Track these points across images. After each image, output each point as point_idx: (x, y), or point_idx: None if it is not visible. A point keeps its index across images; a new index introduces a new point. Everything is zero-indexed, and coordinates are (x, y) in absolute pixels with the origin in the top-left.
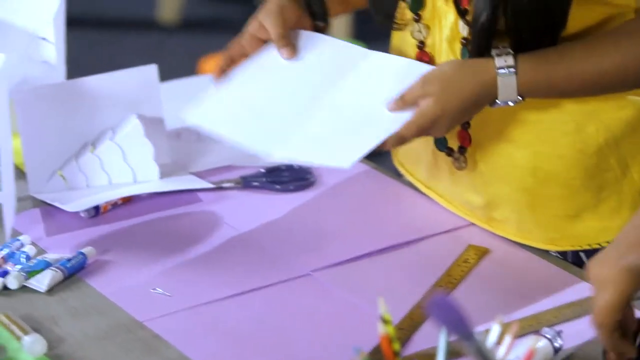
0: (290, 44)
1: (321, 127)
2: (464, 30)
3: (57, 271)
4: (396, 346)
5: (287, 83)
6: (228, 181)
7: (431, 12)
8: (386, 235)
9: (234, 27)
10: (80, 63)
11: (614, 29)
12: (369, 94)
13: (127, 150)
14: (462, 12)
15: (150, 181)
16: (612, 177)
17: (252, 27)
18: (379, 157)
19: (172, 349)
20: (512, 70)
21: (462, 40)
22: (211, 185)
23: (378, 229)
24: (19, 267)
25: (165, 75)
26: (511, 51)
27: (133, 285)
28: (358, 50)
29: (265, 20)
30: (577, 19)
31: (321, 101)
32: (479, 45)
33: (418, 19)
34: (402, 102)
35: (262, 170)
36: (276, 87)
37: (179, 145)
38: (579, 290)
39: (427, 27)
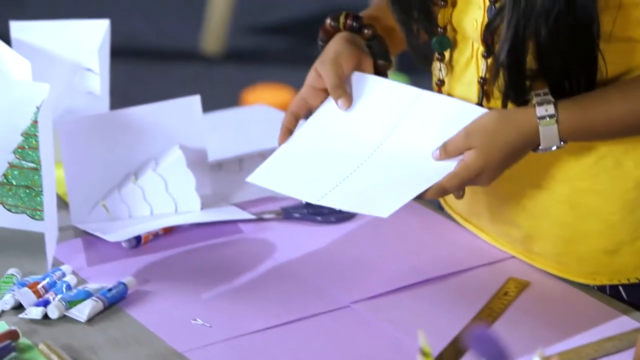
0: (345, 94)
1: (368, 176)
2: (483, 70)
3: (97, 301)
4: None
5: (344, 135)
6: (269, 212)
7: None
8: (426, 267)
9: (277, 58)
10: (124, 94)
11: None
12: (419, 140)
13: (170, 181)
14: (488, 51)
15: (191, 212)
16: None
17: (310, 79)
18: None
19: None
20: (554, 118)
21: (480, 80)
22: (252, 216)
23: (418, 261)
24: (59, 296)
25: (209, 106)
26: (552, 98)
27: (173, 315)
28: (411, 92)
29: (322, 69)
30: (613, 60)
31: (375, 150)
32: (508, 85)
33: (441, 58)
34: (445, 152)
35: (303, 202)
36: (333, 141)
37: (220, 176)
38: (620, 324)
39: (447, 67)
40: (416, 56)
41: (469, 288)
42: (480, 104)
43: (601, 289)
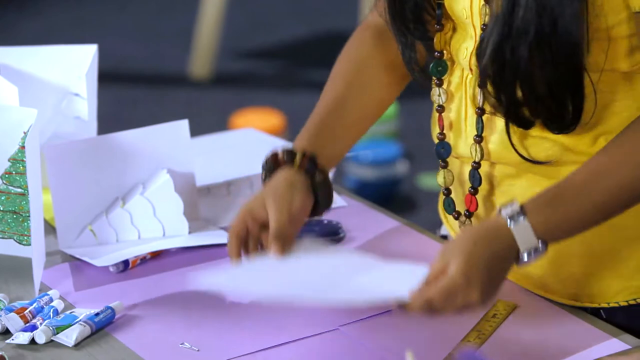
0: (283, 246)
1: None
2: (480, 101)
3: (85, 326)
4: None
5: (302, 276)
6: None
7: (459, 78)
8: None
9: (265, 82)
10: (112, 118)
11: (617, 141)
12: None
13: (157, 205)
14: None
15: (179, 236)
16: (633, 235)
17: (254, 206)
18: (409, 212)
19: None
20: (520, 214)
21: (477, 110)
22: None
23: None
24: (47, 321)
25: (197, 130)
26: (516, 200)
27: (161, 339)
28: (365, 261)
29: (270, 206)
30: (600, 89)
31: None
32: (505, 107)
33: (440, 83)
34: (433, 276)
35: None
36: (293, 279)
37: (208, 200)
38: (610, 346)
39: (447, 93)
40: (412, 71)
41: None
42: (479, 135)
43: (583, 309)
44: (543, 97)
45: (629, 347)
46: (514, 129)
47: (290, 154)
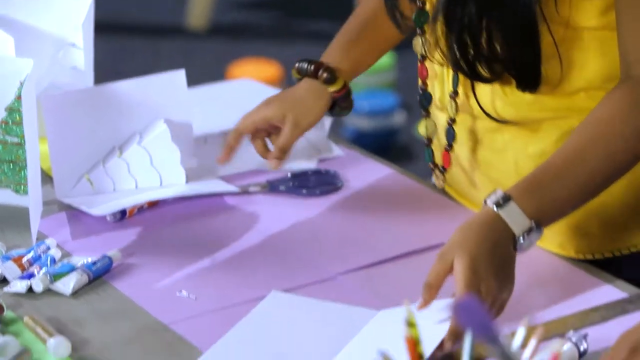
0: (283, 158)
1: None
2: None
3: (82, 274)
4: (421, 349)
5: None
6: (254, 185)
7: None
8: (412, 239)
9: (262, 32)
10: (108, 69)
11: (591, 120)
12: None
13: (154, 154)
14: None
15: (176, 185)
16: (616, 188)
17: (271, 109)
18: (407, 161)
19: (196, 351)
20: (506, 198)
21: (449, 120)
22: (237, 189)
23: (404, 233)
24: (44, 270)
25: (194, 80)
26: (499, 189)
27: (158, 288)
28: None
29: (288, 120)
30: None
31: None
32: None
33: (422, 32)
34: (429, 287)
35: (289, 175)
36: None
37: (205, 149)
38: (606, 294)
39: (429, 43)
40: (395, 19)
41: None
42: (454, 90)
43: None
44: (499, 53)
45: (622, 292)
46: (488, 86)
47: (317, 67)
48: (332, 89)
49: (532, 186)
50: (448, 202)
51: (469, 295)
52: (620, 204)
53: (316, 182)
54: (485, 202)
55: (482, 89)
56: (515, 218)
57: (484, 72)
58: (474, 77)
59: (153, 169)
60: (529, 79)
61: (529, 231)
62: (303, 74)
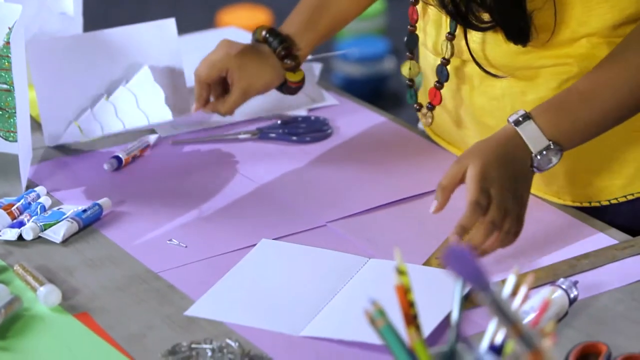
0: (229, 114)
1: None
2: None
3: (72, 222)
4: (412, 297)
5: (292, 277)
6: (244, 132)
7: None
8: (402, 186)
9: None
10: (97, 17)
11: (620, 50)
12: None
13: (140, 95)
14: None
15: (164, 121)
16: (615, 139)
17: (222, 66)
18: (397, 108)
19: (187, 299)
20: (527, 117)
21: (442, 60)
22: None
23: (394, 180)
24: (34, 218)
25: (183, 28)
26: (524, 110)
27: (148, 236)
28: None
29: (235, 79)
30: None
31: (346, 282)
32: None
33: None
34: (442, 189)
35: (279, 122)
36: (283, 275)
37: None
38: (596, 241)
39: None
40: None
41: (446, 206)
42: (451, 32)
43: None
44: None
45: (613, 240)
46: (480, 34)
47: (272, 35)
48: (292, 79)
49: (553, 107)
50: (437, 149)
51: (458, 244)
52: (615, 151)
53: (306, 129)
54: (508, 120)
55: (476, 36)
56: (533, 136)
57: (474, 20)
58: (466, 24)
59: (139, 110)
60: (516, 32)
61: (547, 149)
62: (269, 46)
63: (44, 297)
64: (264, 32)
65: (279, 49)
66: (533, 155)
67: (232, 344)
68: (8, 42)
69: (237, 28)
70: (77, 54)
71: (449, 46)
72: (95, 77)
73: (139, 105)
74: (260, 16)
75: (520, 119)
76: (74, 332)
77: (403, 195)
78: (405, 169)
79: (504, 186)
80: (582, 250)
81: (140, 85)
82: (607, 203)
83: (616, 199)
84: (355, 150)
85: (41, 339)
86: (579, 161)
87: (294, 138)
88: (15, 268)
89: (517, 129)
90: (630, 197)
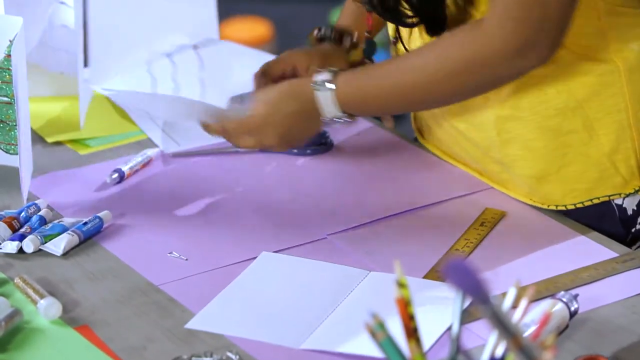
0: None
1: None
2: None
3: (73, 235)
4: (412, 310)
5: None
6: None
7: None
8: (403, 199)
9: None
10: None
11: (435, 39)
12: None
13: (208, 66)
14: None
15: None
16: (576, 140)
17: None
18: (398, 121)
19: (187, 312)
20: (328, 85)
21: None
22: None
23: (395, 192)
24: (35, 230)
25: None
26: (333, 69)
27: (149, 249)
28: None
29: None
30: None
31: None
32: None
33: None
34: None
35: None
36: (281, 288)
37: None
38: (596, 254)
39: None
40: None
41: (446, 219)
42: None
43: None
44: None
45: (596, 243)
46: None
47: (340, 34)
48: (354, 57)
49: (353, 76)
50: (438, 162)
51: (459, 257)
52: (582, 155)
53: (307, 142)
54: (313, 79)
55: (418, 40)
56: (327, 104)
57: (401, 16)
58: (396, 20)
59: (199, 81)
60: (433, 21)
61: (339, 118)
62: (325, 38)
63: (44, 310)
64: (315, 32)
65: (333, 34)
66: (322, 116)
67: (233, 356)
68: (9, 55)
69: (230, 42)
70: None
71: (395, 49)
72: (149, 29)
73: (201, 75)
74: (261, 28)
75: (322, 83)
76: (74, 344)
77: (404, 208)
78: (406, 182)
79: (281, 136)
80: (583, 263)
81: (212, 56)
82: (581, 206)
83: (564, 205)
84: (356, 162)
85: (41, 352)
86: (546, 162)
87: (295, 151)
88: (15, 281)
89: (315, 91)
90: (579, 205)
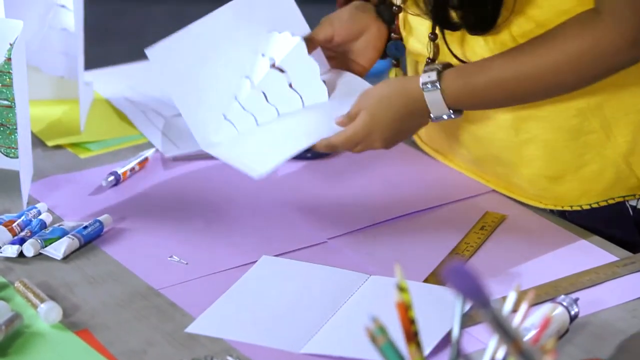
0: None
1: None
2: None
3: (73, 239)
4: (412, 313)
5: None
6: None
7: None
8: (403, 202)
9: None
10: (98, 30)
11: (546, 32)
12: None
13: (293, 74)
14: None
15: (319, 106)
16: (595, 140)
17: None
18: None
19: (187, 316)
20: (436, 85)
21: (430, 35)
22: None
23: (395, 196)
24: (35, 234)
25: None
26: (438, 67)
27: (149, 253)
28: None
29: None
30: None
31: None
32: (432, 14)
33: (397, 10)
34: (348, 118)
35: None
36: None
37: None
38: (596, 257)
39: (404, 23)
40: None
41: (446, 223)
42: (432, 58)
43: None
44: None
45: (611, 255)
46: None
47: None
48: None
49: (461, 73)
50: (438, 164)
51: (459, 260)
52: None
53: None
54: (421, 74)
55: (455, 39)
56: (436, 104)
57: (453, 17)
58: (443, 23)
59: (292, 91)
60: (484, 20)
61: (446, 115)
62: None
63: (44, 314)
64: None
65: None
66: (432, 116)
67: None
68: (9, 59)
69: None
70: (198, 45)
71: (431, 46)
72: (226, 64)
73: (292, 84)
74: None
75: (429, 84)
76: (75, 349)
77: (404, 212)
78: (407, 185)
79: (386, 139)
80: (583, 266)
81: (292, 60)
82: (588, 207)
83: (580, 205)
84: (356, 166)
85: (42, 356)
86: (561, 164)
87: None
88: (16, 285)
89: (424, 92)
90: (594, 205)
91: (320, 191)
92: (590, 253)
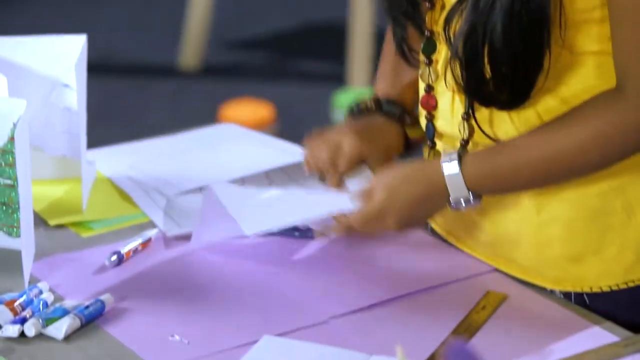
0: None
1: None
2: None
3: (74, 318)
4: None
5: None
6: None
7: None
8: (404, 281)
9: (255, 72)
10: (100, 110)
11: (570, 111)
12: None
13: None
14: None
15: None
16: (616, 221)
17: (343, 142)
18: None
19: None
20: (456, 167)
21: (463, 115)
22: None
23: (396, 275)
24: (36, 314)
25: (186, 121)
26: (459, 152)
27: (151, 332)
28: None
29: (365, 146)
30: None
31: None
32: (468, 84)
33: (429, 62)
34: (363, 195)
35: None
36: None
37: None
38: (599, 337)
39: (436, 73)
40: (402, 50)
41: (447, 302)
42: (466, 140)
43: (566, 296)
44: (506, 72)
45: (613, 336)
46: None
47: (377, 102)
48: (414, 135)
49: (483, 155)
50: (441, 244)
51: (460, 341)
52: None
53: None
54: (442, 155)
55: (483, 116)
56: (456, 187)
57: (490, 92)
58: (480, 98)
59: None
60: (520, 96)
61: (466, 199)
62: (387, 115)
63: None
64: (369, 104)
65: (395, 111)
66: (451, 199)
67: None
68: (12, 138)
69: (236, 125)
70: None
71: (465, 126)
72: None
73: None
74: (263, 111)
75: (452, 166)
76: None
77: (405, 291)
78: (409, 264)
79: (401, 222)
80: (585, 346)
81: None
82: (608, 290)
83: (600, 287)
84: (357, 245)
85: None
86: (581, 244)
87: (297, 233)
88: None
89: (445, 175)
90: (615, 288)
91: (320, 270)
92: (593, 333)
